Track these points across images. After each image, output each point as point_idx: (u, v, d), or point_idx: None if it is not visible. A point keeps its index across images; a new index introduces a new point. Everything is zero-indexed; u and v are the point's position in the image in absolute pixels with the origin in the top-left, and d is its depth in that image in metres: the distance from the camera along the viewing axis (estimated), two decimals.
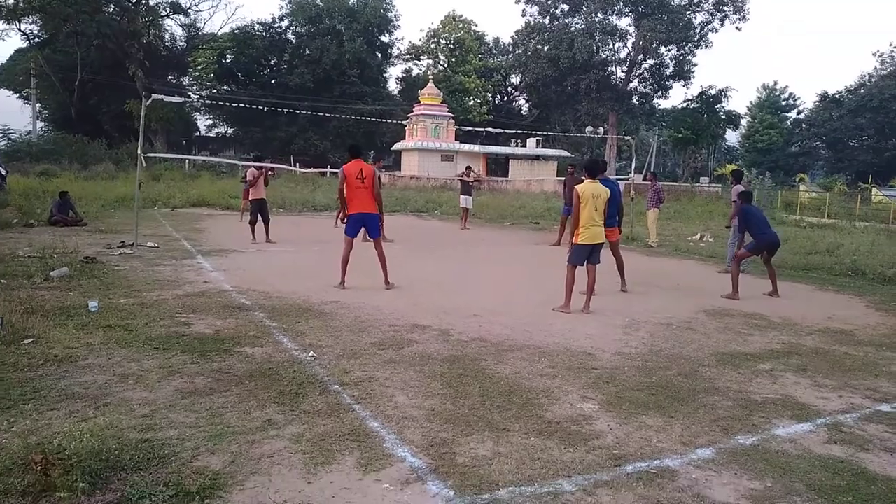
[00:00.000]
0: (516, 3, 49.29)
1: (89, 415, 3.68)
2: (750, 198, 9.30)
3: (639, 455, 3.55)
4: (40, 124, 48.81)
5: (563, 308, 7.21)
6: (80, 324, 5.60)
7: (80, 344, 5.03)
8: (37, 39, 45.21)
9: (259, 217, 12.49)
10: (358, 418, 3.86)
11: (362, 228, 8.28)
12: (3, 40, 46.98)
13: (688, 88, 50.43)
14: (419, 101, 44.94)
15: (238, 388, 4.26)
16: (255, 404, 4.00)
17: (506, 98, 65.85)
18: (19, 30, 43.09)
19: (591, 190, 7.19)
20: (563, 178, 15.94)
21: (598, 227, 7.25)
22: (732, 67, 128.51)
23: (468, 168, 18.37)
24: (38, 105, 48.68)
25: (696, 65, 48.00)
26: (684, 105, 51.45)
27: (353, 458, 3.34)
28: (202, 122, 59.69)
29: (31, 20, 42.90)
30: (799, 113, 65.39)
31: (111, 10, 44.17)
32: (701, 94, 49.49)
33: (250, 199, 12.74)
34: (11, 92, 49.97)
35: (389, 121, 41.14)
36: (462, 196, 17.37)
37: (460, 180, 17.75)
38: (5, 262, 8.44)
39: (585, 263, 7.32)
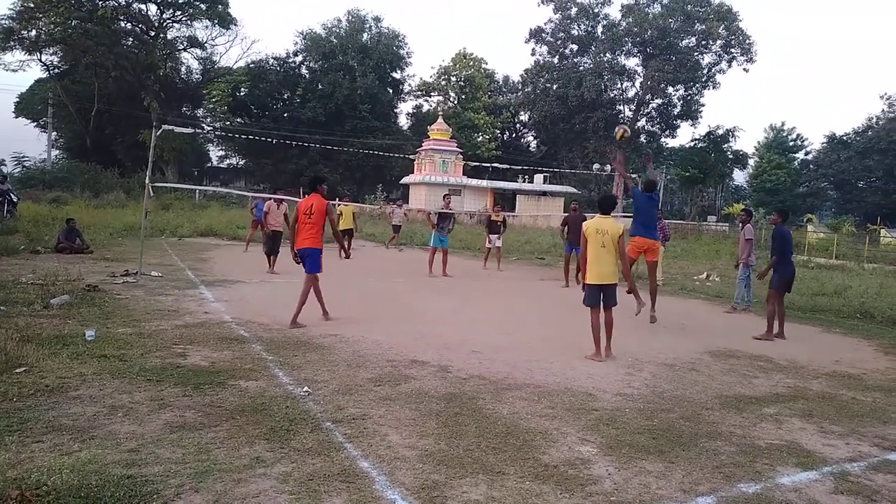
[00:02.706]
0: (526, 42, 50.37)
1: (74, 448, 3.60)
2: (787, 217, 9.01)
3: (637, 502, 3.43)
4: (55, 152, 49.69)
5: (594, 356, 6.68)
6: (74, 353, 5.55)
7: (72, 374, 4.97)
8: (56, 70, 46.16)
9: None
10: (349, 458, 3.76)
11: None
12: (24, 71, 47.72)
13: (695, 128, 50.75)
14: (428, 136, 45.45)
15: (228, 424, 4.18)
16: (244, 440, 3.91)
17: (514, 135, 66.50)
18: (40, 61, 44.11)
19: (594, 226, 6.70)
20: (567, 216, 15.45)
21: (607, 267, 6.63)
22: (740, 108, 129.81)
23: (497, 207, 18.10)
24: (54, 134, 49.59)
25: (703, 105, 48.67)
26: (692, 144, 51.77)
27: (341, 499, 3.24)
28: (214, 153, 60.71)
29: (51, 52, 43.93)
30: (806, 154, 65.56)
31: (130, 42, 45.20)
32: (709, 133, 49.83)
33: (270, 230, 12.84)
34: (29, 121, 51.13)
35: (399, 155, 41.49)
36: (490, 235, 16.63)
37: (488, 218, 17.14)
38: (7, 288, 8.45)
39: (602, 305, 6.72)
